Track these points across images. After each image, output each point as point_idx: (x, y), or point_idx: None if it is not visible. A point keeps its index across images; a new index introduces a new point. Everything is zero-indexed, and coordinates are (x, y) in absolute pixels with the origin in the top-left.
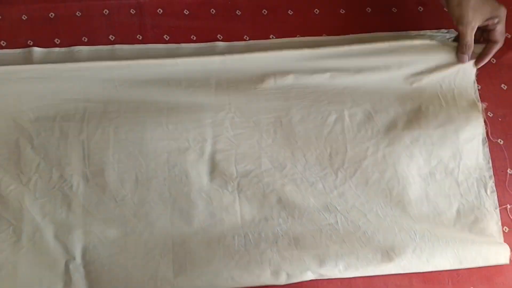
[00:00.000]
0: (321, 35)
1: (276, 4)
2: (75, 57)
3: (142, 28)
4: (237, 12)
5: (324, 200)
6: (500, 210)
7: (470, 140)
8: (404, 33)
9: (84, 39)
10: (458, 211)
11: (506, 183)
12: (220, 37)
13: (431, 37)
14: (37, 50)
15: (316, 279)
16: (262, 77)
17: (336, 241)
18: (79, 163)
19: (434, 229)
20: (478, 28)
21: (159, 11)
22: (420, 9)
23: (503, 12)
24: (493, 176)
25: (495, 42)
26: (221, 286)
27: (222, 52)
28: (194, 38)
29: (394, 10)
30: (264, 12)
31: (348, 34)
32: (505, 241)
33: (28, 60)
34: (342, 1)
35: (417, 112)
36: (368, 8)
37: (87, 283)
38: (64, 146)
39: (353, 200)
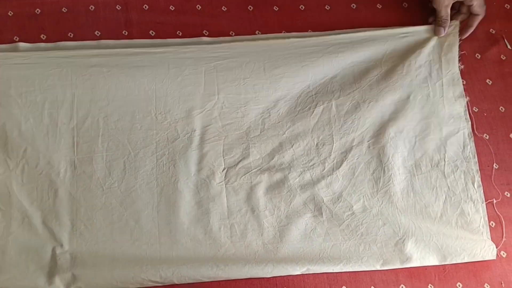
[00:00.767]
0: (306, 31)
1: (261, 0)
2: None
3: (128, 23)
4: (223, 8)
5: (311, 191)
6: (486, 204)
7: (454, 134)
8: (389, 30)
9: (70, 34)
10: (445, 203)
11: (492, 177)
12: (206, 32)
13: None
14: (23, 45)
15: (302, 274)
16: (251, 67)
17: (321, 233)
18: (68, 150)
19: (420, 222)
20: (461, 4)
21: (145, 7)
22: (405, 5)
23: None
24: (479, 170)
25: (476, 15)
26: (207, 276)
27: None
28: (180, 34)
29: (379, 6)
30: (250, 8)
31: (333, 29)
32: (491, 236)
33: None
34: None
35: (404, 102)
36: (353, 4)
37: (73, 269)
38: (53, 133)
39: (340, 190)
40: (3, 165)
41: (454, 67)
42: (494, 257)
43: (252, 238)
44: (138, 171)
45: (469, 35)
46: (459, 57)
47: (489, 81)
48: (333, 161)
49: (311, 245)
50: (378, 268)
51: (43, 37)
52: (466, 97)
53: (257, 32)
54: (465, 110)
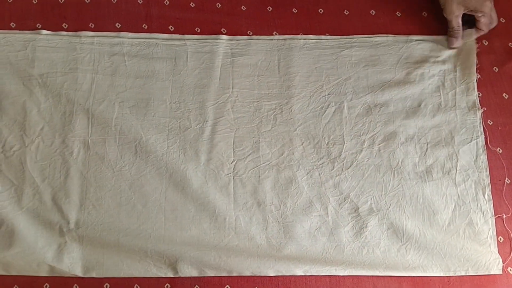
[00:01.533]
0: (324, 35)
1: (281, 1)
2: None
3: (148, 18)
4: (242, 8)
5: (318, 190)
6: (495, 219)
7: (467, 143)
8: (405, 37)
9: (91, 25)
10: (454, 212)
11: (503, 192)
12: (224, 30)
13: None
14: (45, 32)
15: (305, 276)
16: (266, 65)
17: (325, 233)
18: (83, 131)
19: (426, 229)
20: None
21: (166, 2)
22: (424, 14)
23: (486, 7)
24: (490, 184)
25: (480, 30)
26: (208, 265)
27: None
28: (198, 31)
29: (398, 14)
30: (269, 9)
31: (351, 35)
32: (499, 251)
33: None
34: (346, 3)
35: (416, 109)
36: (372, 10)
37: (80, 247)
38: (70, 113)
39: (348, 191)
40: (19, 141)
41: (469, 77)
42: (500, 271)
43: (256, 232)
44: (149, 156)
45: (488, 47)
46: (476, 67)
47: (505, 95)
48: (343, 161)
49: (314, 244)
50: (380, 273)
51: (65, 25)
52: (481, 108)
53: (274, 33)
54: (480, 121)
